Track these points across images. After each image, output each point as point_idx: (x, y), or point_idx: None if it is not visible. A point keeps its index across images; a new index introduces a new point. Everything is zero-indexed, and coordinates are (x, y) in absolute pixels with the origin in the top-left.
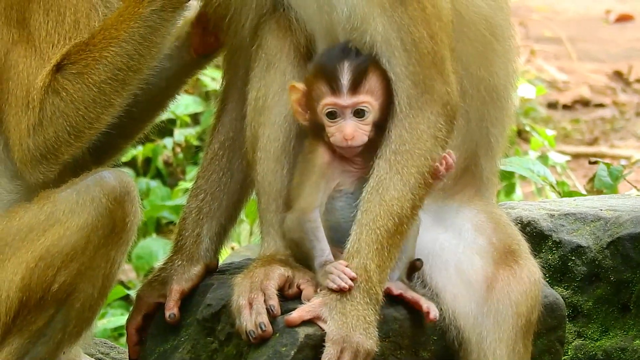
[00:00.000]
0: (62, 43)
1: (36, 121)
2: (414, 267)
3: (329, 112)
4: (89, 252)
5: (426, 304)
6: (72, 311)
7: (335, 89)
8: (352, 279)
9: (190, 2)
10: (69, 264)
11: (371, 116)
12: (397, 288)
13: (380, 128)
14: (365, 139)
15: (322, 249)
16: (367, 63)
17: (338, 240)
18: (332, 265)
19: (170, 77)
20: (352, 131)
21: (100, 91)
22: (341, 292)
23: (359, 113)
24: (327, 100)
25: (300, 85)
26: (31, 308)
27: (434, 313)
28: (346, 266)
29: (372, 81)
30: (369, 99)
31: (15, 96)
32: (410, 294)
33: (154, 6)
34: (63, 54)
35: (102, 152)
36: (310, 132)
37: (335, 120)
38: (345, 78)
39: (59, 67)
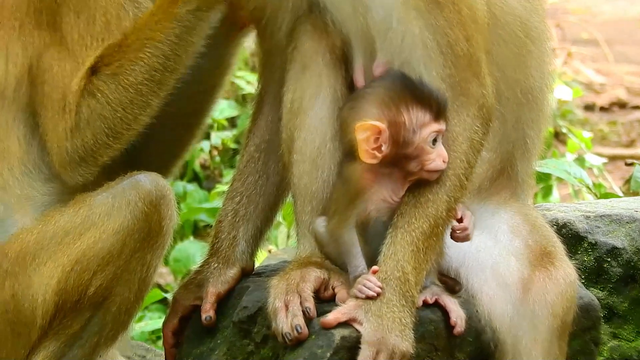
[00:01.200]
0: (95, 45)
1: (73, 124)
2: (452, 290)
3: (434, 138)
4: (125, 255)
5: (455, 316)
6: (108, 315)
7: (437, 116)
8: (380, 287)
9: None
10: (105, 267)
11: None
12: (432, 295)
13: None
14: None
15: (357, 265)
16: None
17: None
18: (363, 276)
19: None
20: (445, 153)
21: (137, 92)
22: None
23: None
24: (434, 127)
25: (377, 122)
26: (67, 311)
27: (459, 328)
28: (374, 272)
29: None
30: None
31: (52, 99)
32: (444, 300)
33: (190, 6)
34: (97, 56)
35: (155, 162)
36: (359, 161)
37: (434, 146)
38: (439, 104)
39: (93, 70)
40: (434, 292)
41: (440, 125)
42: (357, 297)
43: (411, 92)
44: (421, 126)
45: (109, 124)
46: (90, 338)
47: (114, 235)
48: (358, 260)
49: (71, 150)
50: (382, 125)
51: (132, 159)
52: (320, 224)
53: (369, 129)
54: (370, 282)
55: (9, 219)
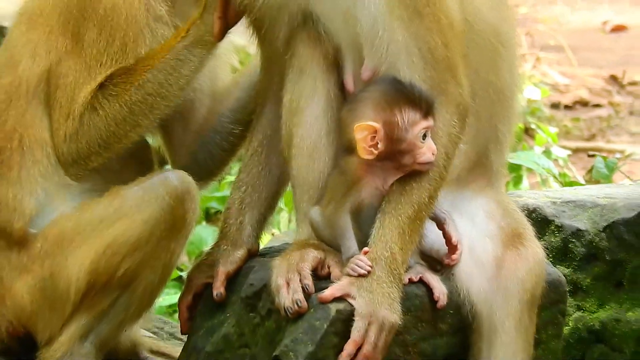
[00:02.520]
0: (109, 64)
1: (73, 131)
2: (434, 268)
3: (424, 134)
4: (152, 243)
5: (438, 292)
6: (134, 295)
7: (426, 114)
8: (370, 266)
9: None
10: (134, 253)
11: None
12: (417, 273)
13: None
14: None
15: (350, 246)
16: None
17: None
18: (355, 257)
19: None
20: (434, 146)
21: (131, 111)
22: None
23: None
24: (424, 124)
25: (373, 123)
26: (98, 290)
27: (442, 303)
28: (365, 253)
29: None
30: None
31: (60, 105)
32: (427, 278)
33: (186, 42)
34: (107, 75)
35: (207, 167)
36: (376, 158)
37: (424, 141)
38: (428, 103)
39: (101, 86)
40: (418, 271)
41: (429, 122)
42: (350, 275)
43: (403, 94)
44: (412, 124)
45: (103, 136)
46: (117, 315)
47: (143, 224)
48: (351, 242)
49: (66, 153)
50: (378, 125)
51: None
52: (316, 212)
53: (367, 129)
54: (361, 262)
55: (49, 205)
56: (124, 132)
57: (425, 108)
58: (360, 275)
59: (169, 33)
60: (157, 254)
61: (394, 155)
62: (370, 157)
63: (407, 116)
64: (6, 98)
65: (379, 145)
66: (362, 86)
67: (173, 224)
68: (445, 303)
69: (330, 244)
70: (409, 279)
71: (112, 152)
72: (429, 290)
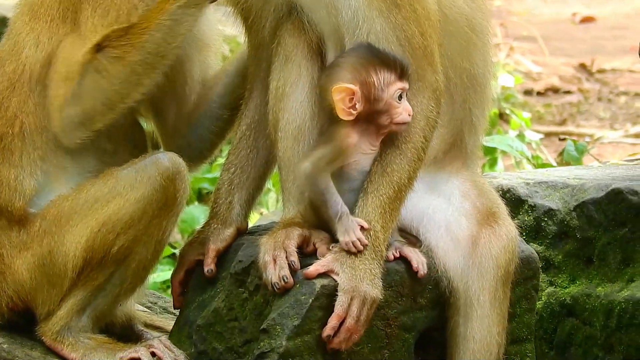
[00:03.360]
0: (104, 31)
1: (75, 92)
2: (413, 245)
3: (399, 95)
4: (145, 221)
5: (416, 262)
6: (128, 270)
7: (401, 76)
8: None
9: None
10: (127, 230)
11: None
12: (396, 249)
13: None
14: None
15: (336, 200)
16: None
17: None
18: (351, 228)
19: None
20: (410, 108)
21: (133, 71)
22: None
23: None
24: (399, 85)
25: (350, 85)
26: (94, 266)
27: (422, 272)
28: (362, 228)
29: None
30: None
31: (58, 72)
32: (404, 252)
33: (179, 3)
34: (104, 35)
35: (196, 150)
36: (341, 122)
37: (400, 101)
38: (402, 66)
39: (100, 48)
40: (396, 247)
41: (404, 84)
42: (348, 252)
43: (377, 57)
44: (388, 85)
45: (107, 95)
46: (113, 289)
47: (136, 203)
48: (336, 197)
49: (72, 115)
50: (355, 87)
51: (181, 140)
52: (305, 166)
53: (344, 90)
54: (360, 240)
55: (47, 187)
56: (127, 91)
57: (400, 70)
58: (357, 252)
59: None
60: (149, 231)
61: (372, 115)
62: (349, 117)
63: (382, 77)
64: (9, 85)
65: (357, 106)
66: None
67: (164, 202)
68: (425, 272)
69: (317, 215)
70: (391, 256)
71: (115, 113)
72: (409, 265)
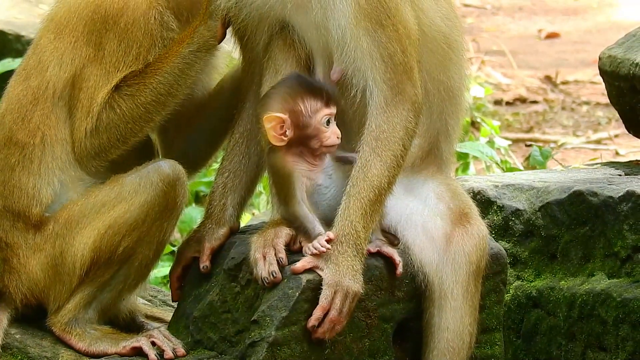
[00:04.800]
0: (125, 70)
1: (94, 127)
2: (392, 243)
3: (327, 120)
4: (147, 223)
5: (398, 259)
6: (132, 268)
7: (327, 102)
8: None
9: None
10: (132, 232)
11: None
12: (375, 246)
13: None
14: None
15: (313, 227)
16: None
17: (325, 221)
18: (317, 238)
19: None
20: (338, 131)
21: (145, 110)
22: (330, 250)
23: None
24: (326, 111)
25: (279, 114)
26: (100, 265)
27: (400, 269)
28: (329, 239)
29: None
30: None
31: (82, 104)
32: (386, 250)
33: (191, 47)
34: (122, 77)
35: (193, 158)
36: (276, 150)
37: (328, 126)
38: (328, 94)
39: (117, 87)
40: (377, 245)
41: (331, 109)
42: (312, 255)
43: (304, 87)
44: (315, 112)
45: (121, 131)
46: (117, 285)
47: (139, 207)
48: (314, 223)
49: (89, 147)
50: (284, 116)
51: (179, 152)
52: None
53: (274, 119)
54: (320, 243)
55: (64, 195)
56: (139, 127)
57: (326, 98)
58: (319, 253)
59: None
60: (151, 232)
61: (303, 140)
62: (282, 143)
63: (309, 105)
64: (33, 99)
65: (287, 133)
66: (332, 85)
67: (165, 206)
68: (402, 270)
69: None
70: (368, 250)
71: (128, 145)
72: (388, 262)
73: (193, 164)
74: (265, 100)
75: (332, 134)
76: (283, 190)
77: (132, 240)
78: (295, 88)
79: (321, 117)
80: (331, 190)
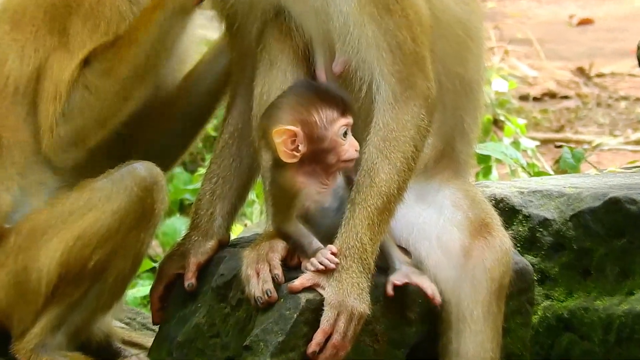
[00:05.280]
0: (91, 45)
1: (66, 111)
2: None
3: (344, 131)
4: (121, 233)
5: (430, 289)
6: (105, 285)
7: (344, 111)
8: (337, 263)
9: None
10: (104, 243)
11: None
12: (403, 277)
13: None
14: None
15: (310, 242)
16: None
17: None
18: (320, 252)
19: (216, 81)
20: (357, 143)
21: (123, 86)
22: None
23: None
24: (343, 121)
25: (290, 126)
26: (69, 281)
27: (438, 299)
28: (332, 253)
29: None
30: None
31: (47, 91)
32: (415, 280)
33: (167, 12)
34: (90, 50)
35: (163, 156)
36: (285, 167)
37: (345, 138)
38: (344, 102)
39: (86, 63)
40: (404, 275)
41: (348, 119)
42: (317, 271)
43: (317, 95)
44: (331, 122)
45: (97, 112)
46: (89, 305)
47: (112, 215)
48: (310, 239)
49: (63, 135)
50: (296, 128)
51: (146, 151)
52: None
53: (285, 133)
54: (328, 257)
55: (25, 202)
56: (117, 106)
57: (342, 106)
58: (327, 270)
59: None
60: (127, 244)
61: (318, 155)
62: (293, 160)
63: (324, 115)
64: None
65: (300, 148)
66: (333, 80)
67: (142, 214)
68: (440, 299)
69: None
70: (394, 283)
71: (107, 129)
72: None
73: (159, 165)
74: (272, 110)
75: (350, 147)
76: (281, 208)
77: (105, 253)
78: (307, 96)
79: (338, 128)
80: (336, 212)
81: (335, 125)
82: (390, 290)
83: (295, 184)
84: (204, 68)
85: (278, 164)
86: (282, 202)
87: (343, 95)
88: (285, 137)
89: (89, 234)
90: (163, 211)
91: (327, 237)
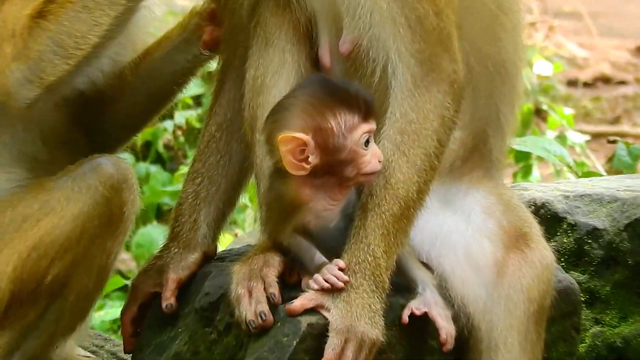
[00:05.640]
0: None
1: (20, 45)
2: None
3: (366, 139)
4: (84, 242)
5: (445, 333)
6: (66, 304)
7: (366, 116)
8: (344, 282)
9: None
10: (63, 254)
11: None
12: (423, 305)
13: None
14: None
15: (311, 256)
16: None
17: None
18: (326, 267)
19: (177, 70)
20: (380, 153)
21: (85, 9)
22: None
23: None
24: (365, 128)
25: (300, 134)
26: (23, 300)
27: (449, 346)
28: (340, 268)
29: None
30: None
31: (1, 34)
32: (433, 315)
33: None
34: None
35: (105, 144)
36: (290, 177)
37: (367, 147)
38: (367, 103)
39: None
40: (425, 303)
41: (371, 125)
42: (322, 290)
43: (334, 95)
44: (350, 129)
45: (57, 40)
46: (47, 328)
47: (73, 220)
48: (313, 253)
49: (15, 70)
50: (306, 137)
51: (89, 133)
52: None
53: (292, 141)
54: (336, 274)
55: None
56: (81, 33)
57: (365, 108)
58: (333, 289)
59: None
60: (90, 254)
61: (334, 167)
62: (301, 172)
63: (342, 120)
64: None
65: (310, 159)
66: (340, 61)
67: (109, 218)
68: (452, 347)
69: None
70: (412, 312)
71: (70, 63)
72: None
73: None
74: (280, 112)
75: (372, 158)
76: (275, 219)
77: (65, 266)
78: (322, 97)
79: (359, 136)
80: (342, 233)
81: (355, 133)
82: (405, 317)
83: (298, 196)
84: (169, 44)
85: (281, 174)
86: (278, 213)
87: (366, 96)
88: (293, 146)
89: (46, 244)
90: (134, 215)
91: (330, 256)
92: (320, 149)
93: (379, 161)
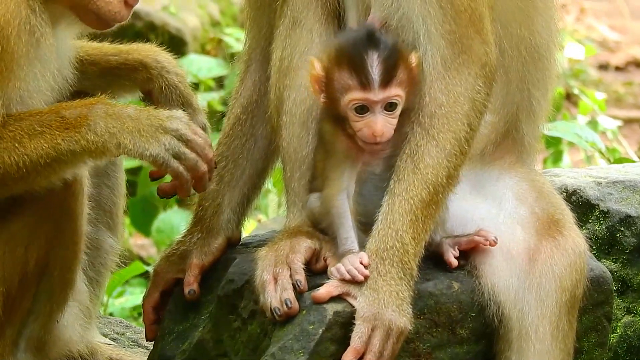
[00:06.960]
0: None
1: None
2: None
3: (358, 106)
4: (49, 213)
5: (485, 238)
6: (52, 279)
7: (365, 84)
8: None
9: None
10: (34, 234)
11: (400, 107)
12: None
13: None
14: (392, 132)
15: (346, 237)
16: (397, 53)
17: (368, 224)
18: (348, 258)
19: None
20: (382, 127)
21: None
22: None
23: (390, 106)
24: (356, 95)
25: (319, 67)
26: (15, 295)
27: (492, 236)
28: (362, 262)
29: (402, 72)
30: (400, 92)
31: None
32: (464, 241)
33: (74, 147)
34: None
35: None
36: (327, 113)
37: (363, 115)
38: (376, 72)
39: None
40: (454, 242)
41: (368, 95)
42: (342, 280)
43: (347, 50)
44: (344, 90)
45: None
46: (42, 308)
47: (32, 199)
48: (348, 232)
49: None
50: (321, 73)
51: None
52: (314, 198)
53: (314, 68)
54: (357, 268)
55: None
56: None
57: (369, 79)
58: (354, 282)
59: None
60: (59, 223)
61: (342, 117)
62: (318, 96)
63: (341, 77)
64: None
65: (322, 97)
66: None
67: (63, 184)
68: (494, 238)
69: (328, 232)
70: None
71: None
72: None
73: None
74: (330, 40)
75: (365, 127)
76: (327, 167)
77: (40, 245)
78: (344, 49)
79: (349, 100)
80: (386, 185)
81: (346, 96)
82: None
83: (340, 138)
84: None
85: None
86: (329, 159)
87: (386, 67)
88: (314, 73)
89: (16, 232)
90: (86, 172)
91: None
92: (327, 92)
93: (374, 135)
